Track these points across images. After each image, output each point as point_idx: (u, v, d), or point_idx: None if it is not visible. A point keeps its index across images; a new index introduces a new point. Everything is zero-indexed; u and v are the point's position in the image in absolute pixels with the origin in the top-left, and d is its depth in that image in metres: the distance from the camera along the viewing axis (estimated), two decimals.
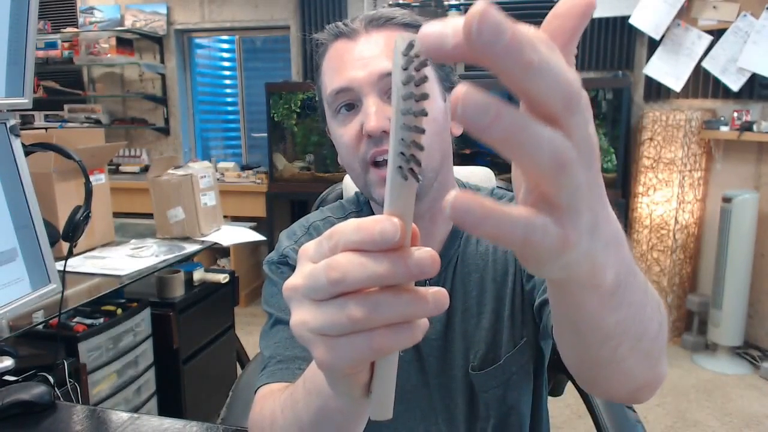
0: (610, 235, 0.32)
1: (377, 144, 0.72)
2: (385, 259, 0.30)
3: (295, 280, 0.33)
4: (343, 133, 0.76)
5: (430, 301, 0.31)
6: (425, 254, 0.30)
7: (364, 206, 0.88)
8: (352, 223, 0.31)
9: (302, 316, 0.32)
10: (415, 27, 0.76)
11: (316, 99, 0.84)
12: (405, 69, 0.29)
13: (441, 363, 0.80)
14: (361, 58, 0.73)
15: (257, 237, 2.32)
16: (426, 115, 0.30)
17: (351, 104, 0.75)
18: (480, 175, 1.10)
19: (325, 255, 0.32)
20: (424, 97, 0.30)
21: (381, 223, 0.30)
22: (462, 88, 0.24)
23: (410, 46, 0.29)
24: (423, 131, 0.30)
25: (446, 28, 0.25)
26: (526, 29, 0.24)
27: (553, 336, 0.52)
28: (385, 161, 0.72)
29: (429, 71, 0.73)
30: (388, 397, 0.35)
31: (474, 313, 0.80)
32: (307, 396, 0.48)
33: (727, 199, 2.97)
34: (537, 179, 0.27)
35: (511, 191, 1.03)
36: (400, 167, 0.31)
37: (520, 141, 0.24)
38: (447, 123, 0.78)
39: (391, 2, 3.66)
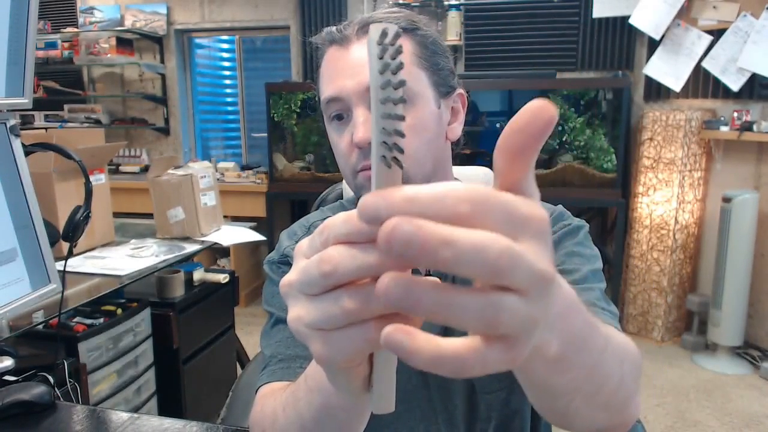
0: (558, 312, 0.33)
1: (366, 156, 0.72)
2: (375, 249, 0.29)
3: (289, 277, 0.33)
4: (336, 141, 0.76)
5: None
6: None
7: None
8: (341, 216, 0.31)
9: (298, 312, 0.33)
10: (410, 31, 0.74)
11: (317, 99, 0.83)
12: (380, 58, 0.29)
13: None
14: (351, 67, 0.72)
15: (257, 237, 2.32)
16: (405, 102, 0.30)
17: (342, 113, 0.75)
18: (480, 175, 1.10)
19: (317, 249, 0.32)
20: (402, 83, 0.30)
21: None
22: (385, 278, 0.27)
23: (384, 34, 0.29)
24: (403, 118, 0.30)
25: (380, 209, 0.27)
26: (436, 231, 0.25)
27: None
28: None
29: (406, 59, 0.72)
30: (389, 390, 0.35)
31: None
32: (309, 393, 0.48)
33: (727, 199, 2.97)
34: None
35: None
36: (383, 156, 0.31)
37: (446, 315, 0.26)
38: (441, 128, 0.77)
39: (391, 2, 3.66)
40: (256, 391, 0.72)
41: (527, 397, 0.56)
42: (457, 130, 0.80)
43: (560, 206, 0.83)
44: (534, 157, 0.29)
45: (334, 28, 0.76)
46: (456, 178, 0.87)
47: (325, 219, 0.90)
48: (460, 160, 0.89)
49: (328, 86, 0.74)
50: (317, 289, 0.31)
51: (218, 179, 2.75)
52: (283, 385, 0.66)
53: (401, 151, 0.31)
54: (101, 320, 1.74)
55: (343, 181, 1.14)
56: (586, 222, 0.82)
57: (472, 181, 0.96)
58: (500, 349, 0.27)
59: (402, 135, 0.30)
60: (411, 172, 0.73)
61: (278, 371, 0.71)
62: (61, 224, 1.42)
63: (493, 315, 0.26)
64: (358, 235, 0.30)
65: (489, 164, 1.24)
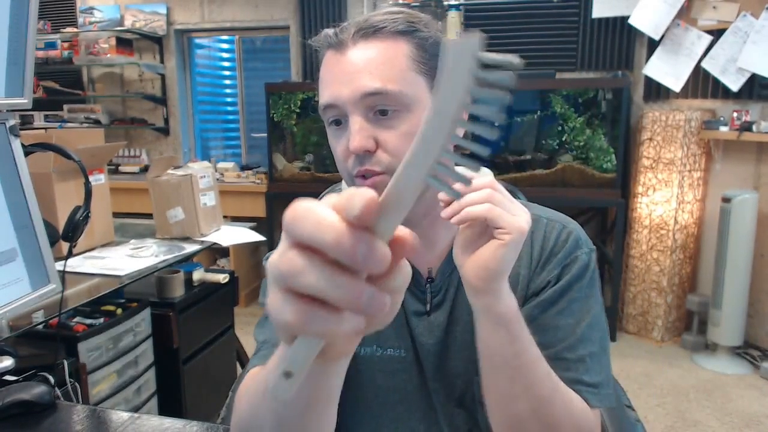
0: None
1: (362, 161, 0.71)
2: (340, 281, 0.30)
3: (273, 258, 0.34)
4: (335, 145, 0.76)
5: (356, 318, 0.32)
6: (380, 299, 0.31)
7: None
8: (317, 216, 0.31)
9: (272, 296, 0.34)
10: (408, 33, 0.72)
11: (316, 101, 0.83)
12: (479, 86, 0.28)
13: (437, 368, 0.80)
14: (346, 73, 0.71)
15: (257, 237, 2.32)
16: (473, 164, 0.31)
17: (339, 120, 0.74)
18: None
19: (287, 245, 0.33)
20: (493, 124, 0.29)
21: (355, 243, 0.30)
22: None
23: (490, 64, 0.28)
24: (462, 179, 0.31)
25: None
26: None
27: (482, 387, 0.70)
28: (369, 176, 0.72)
29: (402, 63, 0.72)
30: (295, 367, 0.34)
31: None
32: (276, 358, 0.49)
33: (726, 199, 2.97)
34: None
35: (512, 192, 1.03)
36: (436, 178, 0.30)
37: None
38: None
39: (391, 2, 3.66)
40: (245, 373, 0.73)
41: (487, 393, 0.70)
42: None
43: (576, 226, 0.82)
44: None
45: (331, 31, 0.74)
46: None
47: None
48: None
49: (325, 92, 0.74)
50: (286, 286, 0.32)
51: (218, 179, 2.75)
52: None
53: (466, 182, 0.31)
54: (101, 320, 1.74)
55: (343, 181, 1.14)
56: (592, 244, 0.82)
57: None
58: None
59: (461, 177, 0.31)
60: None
61: (269, 355, 0.71)
62: (61, 224, 1.42)
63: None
64: (331, 249, 0.30)
65: (489, 164, 1.23)
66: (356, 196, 0.30)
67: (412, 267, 0.80)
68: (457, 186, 0.30)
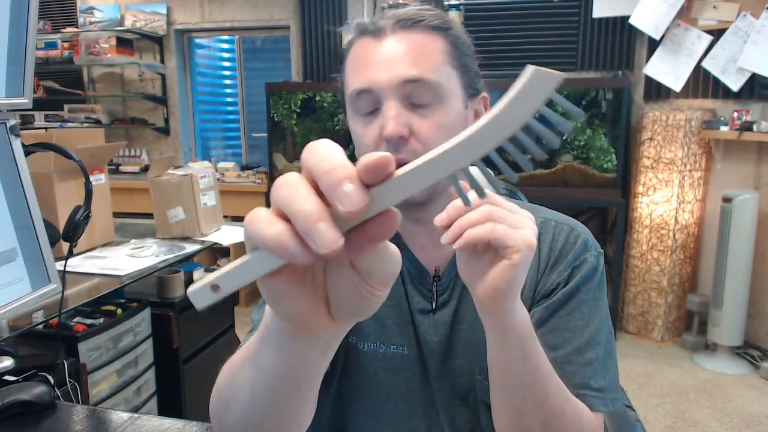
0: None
1: (395, 149, 0.71)
2: (308, 199, 0.30)
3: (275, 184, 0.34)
4: (363, 134, 0.75)
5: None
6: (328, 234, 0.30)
7: None
8: (330, 148, 0.32)
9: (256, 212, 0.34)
10: (443, 30, 0.74)
11: (339, 89, 0.81)
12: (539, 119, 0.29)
13: (441, 366, 0.80)
14: (385, 60, 0.71)
15: None
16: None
17: (371, 105, 0.73)
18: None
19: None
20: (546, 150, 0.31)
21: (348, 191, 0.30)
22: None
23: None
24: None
25: None
26: None
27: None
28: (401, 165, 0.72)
29: (438, 57, 0.73)
30: (225, 281, 0.33)
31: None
32: (260, 329, 0.47)
33: (727, 199, 2.97)
34: None
35: (512, 192, 1.03)
36: (456, 179, 0.31)
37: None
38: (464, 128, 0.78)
39: (391, 2, 3.66)
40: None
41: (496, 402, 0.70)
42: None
43: (584, 229, 0.82)
44: None
45: (366, 20, 0.75)
46: None
47: None
48: None
49: (358, 78, 0.73)
50: (273, 202, 0.33)
51: (218, 179, 2.75)
52: None
53: (483, 195, 0.32)
54: (101, 320, 1.74)
55: None
56: (599, 247, 0.82)
57: None
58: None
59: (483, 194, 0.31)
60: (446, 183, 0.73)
61: None
62: (61, 224, 1.42)
63: None
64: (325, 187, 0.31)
65: (504, 184, 1.24)
66: (376, 154, 0.30)
67: (420, 265, 0.81)
68: (471, 196, 0.31)
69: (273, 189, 0.32)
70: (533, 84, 0.28)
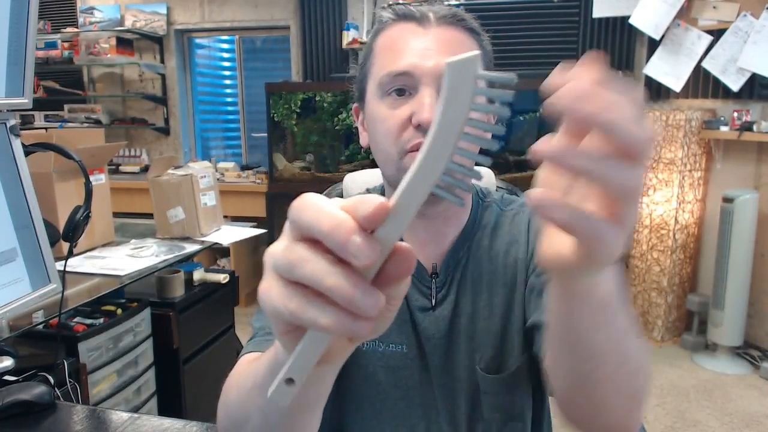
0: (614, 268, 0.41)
1: (424, 135, 0.71)
2: (340, 266, 0.31)
3: (274, 248, 0.34)
4: (388, 116, 0.74)
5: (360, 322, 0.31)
6: (376, 300, 0.31)
7: None
8: (319, 204, 0.32)
9: (268, 284, 0.34)
10: (477, 33, 0.77)
11: (361, 73, 0.80)
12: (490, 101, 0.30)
13: (444, 362, 0.80)
14: (430, 48, 0.73)
15: (257, 231, 2.33)
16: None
17: (403, 89, 0.73)
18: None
19: (295, 237, 0.33)
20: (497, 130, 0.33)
21: (353, 241, 0.30)
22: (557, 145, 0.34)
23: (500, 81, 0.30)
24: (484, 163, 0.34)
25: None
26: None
27: (544, 362, 0.58)
28: None
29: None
30: (296, 374, 0.34)
31: (483, 316, 0.80)
32: (268, 354, 0.48)
33: (728, 200, 2.97)
34: (608, 200, 0.34)
35: (511, 191, 1.03)
36: (441, 188, 0.31)
37: (605, 173, 0.32)
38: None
39: (390, 2, 3.66)
40: (239, 358, 0.72)
41: (532, 394, 0.57)
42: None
43: None
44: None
45: (408, 6, 0.76)
46: None
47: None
48: None
49: (398, 60, 0.73)
50: (286, 275, 0.32)
51: (218, 179, 2.75)
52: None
53: (467, 189, 0.32)
54: (101, 320, 1.74)
55: (344, 181, 1.13)
56: None
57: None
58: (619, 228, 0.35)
59: (474, 175, 0.32)
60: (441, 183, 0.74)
61: (263, 342, 0.71)
62: (61, 224, 1.42)
63: (635, 182, 0.33)
64: (335, 244, 0.30)
65: (489, 164, 1.24)
66: (368, 199, 0.31)
67: (419, 263, 0.81)
68: (459, 193, 0.32)
69: (288, 264, 0.32)
70: (457, 73, 0.29)
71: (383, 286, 0.32)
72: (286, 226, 0.34)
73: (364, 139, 0.82)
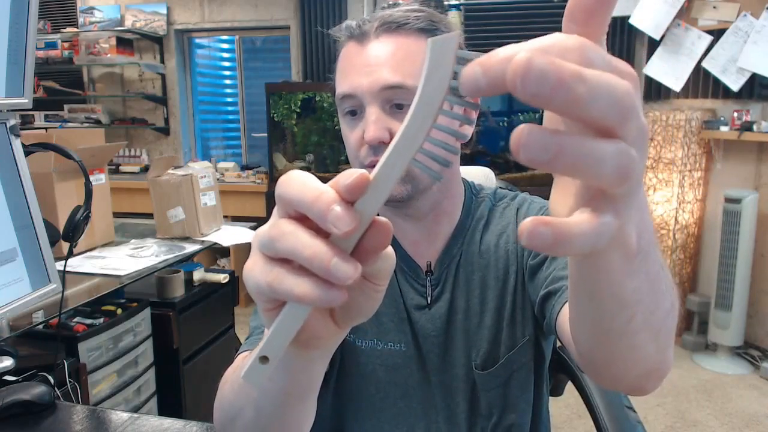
0: (641, 200, 0.33)
1: (376, 152, 0.73)
2: (313, 242, 0.31)
3: (261, 228, 0.35)
4: (347, 135, 0.78)
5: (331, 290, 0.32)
6: (344, 265, 0.31)
7: None
8: (303, 178, 0.33)
9: (253, 263, 0.35)
10: (430, 32, 0.74)
11: (331, 92, 0.84)
12: (454, 80, 0.30)
13: (442, 360, 0.80)
14: (367, 65, 0.73)
15: None
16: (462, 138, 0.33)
17: (354, 110, 0.76)
18: (480, 175, 1.10)
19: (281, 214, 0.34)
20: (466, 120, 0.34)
21: (334, 213, 0.31)
22: (522, 130, 0.25)
23: (461, 59, 0.30)
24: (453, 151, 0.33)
25: (477, 74, 0.26)
26: (567, 65, 0.24)
27: (562, 323, 0.60)
28: None
29: (420, 58, 0.72)
30: (271, 352, 0.34)
31: (476, 312, 0.80)
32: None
33: (734, 200, 2.95)
34: (601, 187, 0.28)
35: (512, 191, 1.03)
36: (419, 162, 0.32)
37: (585, 164, 0.26)
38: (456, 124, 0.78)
39: (391, 2, 3.66)
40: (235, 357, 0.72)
41: (529, 389, 0.57)
42: (467, 131, 0.81)
43: None
44: (607, 18, 0.29)
45: (353, 23, 0.76)
46: (463, 178, 0.87)
47: None
48: (460, 160, 0.89)
49: (343, 82, 0.75)
50: (268, 252, 0.33)
51: (218, 179, 2.75)
52: None
53: (446, 164, 0.32)
54: (101, 320, 1.74)
55: None
56: None
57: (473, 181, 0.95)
58: (612, 214, 0.28)
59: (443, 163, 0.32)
60: (417, 171, 0.74)
61: (259, 341, 0.71)
62: (61, 224, 1.42)
63: (627, 162, 0.26)
64: (316, 214, 0.31)
65: (489, 164, 1.24)
66: (350, 171, 0.32)
67: (413, 262, 0.81)
68: (437, 168, 0.32)
69: (270, 240, 0.33)
70: (438, 51, 0.30)
71: (362, 259, 0.32)
72: (275, 209, 0.35)
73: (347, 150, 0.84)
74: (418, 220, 0.81)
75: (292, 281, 0.32)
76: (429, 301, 0.81)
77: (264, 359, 0.34)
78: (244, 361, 0.56)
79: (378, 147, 0.73)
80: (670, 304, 0.45)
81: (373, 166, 0.70)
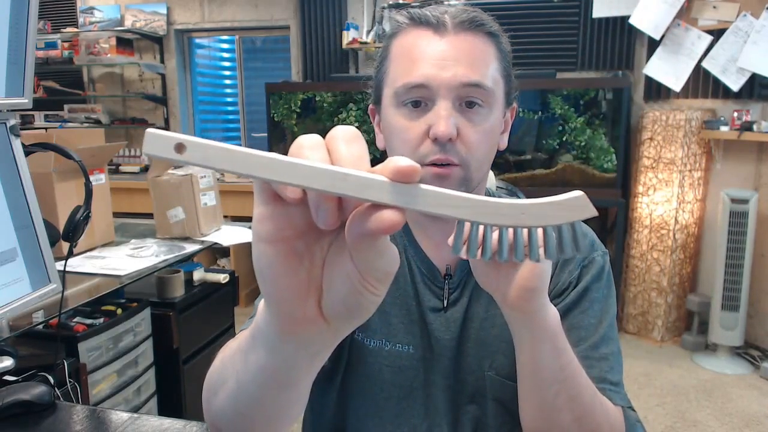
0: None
1: (442, 149, 0.70)
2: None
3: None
4: (405, 128, 0.73)
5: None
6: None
7: None
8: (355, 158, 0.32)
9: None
10: (496, 37, 0.75)
11: (375, 70, 0.79)
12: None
13: (452, 365, 0.80)
14: (446, 58, 0.70)
15: None
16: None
17: (419, 101, 0.72)
18: None
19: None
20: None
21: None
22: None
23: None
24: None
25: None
26: None
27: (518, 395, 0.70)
28: (448, 165, 0.71)
29: (492, 63, 0.75)
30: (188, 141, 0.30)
31: (495, 323, 0.79)
32: (252, 323, 0.46)
33: (740, 200, 2.93)
34: None
35: (512, 191, 1.03)
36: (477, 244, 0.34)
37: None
38: (499, 137, 0.79)
39: (390, 2, 3.66)
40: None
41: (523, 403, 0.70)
42: (505, 140, 0.81)
43: (589, 229, 0.83)
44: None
45: (424, 11, 0.73)
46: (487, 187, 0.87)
47: None
48: None
49: (413, 71, 0.71)
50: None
51: (218, 179, 2.75)
52: None
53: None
54: (101, 320, 1.74)
55: None
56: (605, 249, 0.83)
57: None
58: None
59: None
60: (474, 175, 0.74)
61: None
62: (61, 224, 1.42)
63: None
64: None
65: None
66: (408, 161, 0.31)
67: (431, 263, 0.81)
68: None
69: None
70: (571, 203, 0.33)
71: (356, 231, 0.32)
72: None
73: (380, 142, 0.80)
74: (445, 223, 0.79)
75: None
76: (445, 305, 0.80)
77: (181, 148, 0.30)
78: (238, 336, 0.56)
79: (445, 144, 0.70)
80: (592, 402, 0.66)
81: (437, 164, 0.69)
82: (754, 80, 3.07)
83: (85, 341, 1.64)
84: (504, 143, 0.81)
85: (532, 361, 0.63)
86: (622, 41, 3.41)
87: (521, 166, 3.32)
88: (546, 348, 0.62)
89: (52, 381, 1.13)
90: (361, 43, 3.76)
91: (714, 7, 3.14)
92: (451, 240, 0.35)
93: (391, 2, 3.66)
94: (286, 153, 0.32)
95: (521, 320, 0.61)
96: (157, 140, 0.30)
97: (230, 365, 0.51)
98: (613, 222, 3.49)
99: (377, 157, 0.35)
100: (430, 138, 0.70)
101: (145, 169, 4.21)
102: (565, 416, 0.65)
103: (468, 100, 0.71)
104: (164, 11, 4.24)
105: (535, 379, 0.64)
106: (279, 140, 3.75)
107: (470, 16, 0.73)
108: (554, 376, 0.63)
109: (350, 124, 3.32)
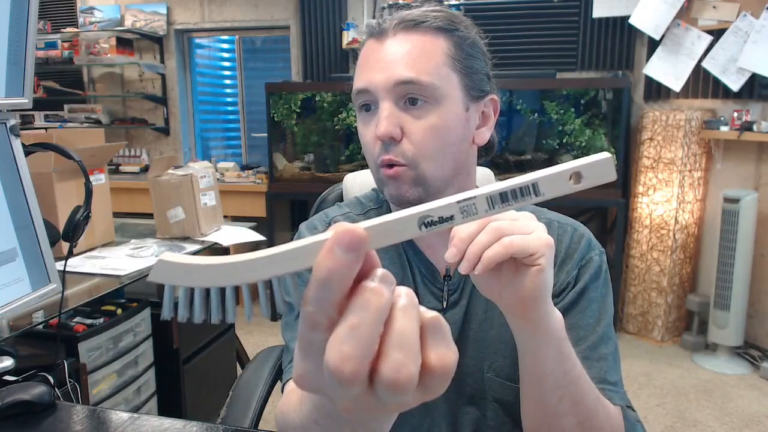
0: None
1: (387, 149, 0.73)
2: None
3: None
4: (362, 132, 0.78)
5: None
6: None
7: (384, 203, 0.89)
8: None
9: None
10: (448, 31, 0.75)
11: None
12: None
13: None
14: (382, 61, 0.74)
15: (257, 237, 2.32)
16: None
17: (369, 105, 0.76)
18: (480, 175, 1.10)
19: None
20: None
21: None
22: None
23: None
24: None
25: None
26: None
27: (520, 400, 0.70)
28: (394, 165, 0.73)
29: (438, 58, 0.74)
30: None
31: (494, 324, 0.79)
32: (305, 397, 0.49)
33: (732, 200, 2.94)
34: None
35: None
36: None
37: None
38: (468, 132, 0.78)
39: (390, 2, 3.66)
40: (284, 385, 0.73)
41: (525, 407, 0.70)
42: (485, 134, 0.81)
43: (586, 229, 0.84)
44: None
45: (374, 21, 0.77)
46: (476, 184, 0.86)
47: (345, 215, 0.91)
48: None
49: (360, 78, 0.76)
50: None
51: (218, 179, 2.75)
52: None
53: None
54: (101, 320, 1.74)
55: (343, 181, 1.15)
56: (596, 236, 0.85)
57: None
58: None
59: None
60: (428, 173, 0.74)
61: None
62: (61, 224, 1.42)
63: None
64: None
65: (489, 164, 1.23)
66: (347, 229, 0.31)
67: (430, 264, 0.81)
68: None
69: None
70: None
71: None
72: None
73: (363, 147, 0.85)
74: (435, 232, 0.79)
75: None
76: (444, 306, 0.80)
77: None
78: (292, 401, 0.57)
79: (389, 144, 0.73)
80: (595, 406, 0.66)
81: (388, 166, 0.74)
82: (754, 80, 3.07)
83: (85, 341, 1.64)
84: (483, 138, 0.80)
85: (536, 366, 0.63)
86: (622, 41, 3.41)
87: (521, 167, 3.32)
88: (550, 354, 0.61)
89: (52, 381, 1.13)
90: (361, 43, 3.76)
91: (714, 7, 3.14)
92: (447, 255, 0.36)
93: (390, 2, 3.66)
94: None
95: (525, 327, 0.60)
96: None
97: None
98: (613, 222, 3.49)
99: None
100: (377, 139, 0.74)
101: (145, 169, 4.21)
102: (568, 420, 0.64)
103: (409, 97, 0.73)
104: (164, 11, 4.24)
105: (538, 384, 0.64)
106: (279, 140, 3.75)
107: (414, 16, 0.75)
108: (558, 382, 0.62)
109: (350, 124, 3.33)
